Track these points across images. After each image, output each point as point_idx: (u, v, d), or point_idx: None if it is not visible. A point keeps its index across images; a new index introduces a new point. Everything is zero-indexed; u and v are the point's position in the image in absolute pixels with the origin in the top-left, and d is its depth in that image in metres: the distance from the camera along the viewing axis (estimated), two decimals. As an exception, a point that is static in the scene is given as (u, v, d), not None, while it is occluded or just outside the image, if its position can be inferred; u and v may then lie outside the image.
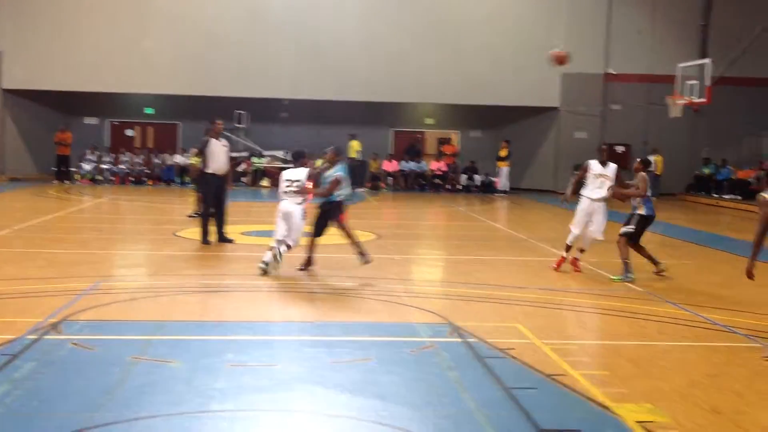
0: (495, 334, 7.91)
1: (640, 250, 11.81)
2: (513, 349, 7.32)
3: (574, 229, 12.01)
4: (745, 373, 6.89)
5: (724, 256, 14.65)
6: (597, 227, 11.90)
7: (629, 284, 11.06)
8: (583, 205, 11.93)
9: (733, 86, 27.62)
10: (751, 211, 24.08)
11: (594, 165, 11.94)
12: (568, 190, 12.72)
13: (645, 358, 7.33)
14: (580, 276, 11.82)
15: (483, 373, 6.63)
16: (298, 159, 11.77)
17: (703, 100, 24.30)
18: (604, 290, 10.74)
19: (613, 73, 29.56)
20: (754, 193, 26.25)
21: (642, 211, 11.61)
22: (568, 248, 12.06)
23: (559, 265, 12.04)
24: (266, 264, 10.79)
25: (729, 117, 28.85)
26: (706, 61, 24.34)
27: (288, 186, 11.11)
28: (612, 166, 11.89)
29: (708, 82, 23.94)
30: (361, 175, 27.71)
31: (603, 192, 11.75)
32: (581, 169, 12.15)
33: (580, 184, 12.14)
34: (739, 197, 26.44)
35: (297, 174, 11.18)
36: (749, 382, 6.60)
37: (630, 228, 11.60)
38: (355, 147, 28.77)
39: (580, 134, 30.01)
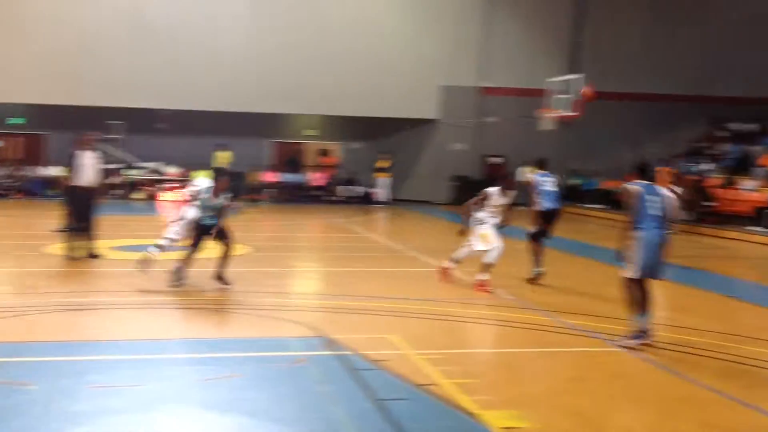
0: (368, 345, 7.93)
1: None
2: (386, 360, 7.37)
3: (491, 243, 11.91)
4: (604, 376, 7.17)
5: (589, 264, 15.23)
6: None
7: (502, 294, 11.33)
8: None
9: (600, 100, 28.80)
10: (613, 220, 25.17)
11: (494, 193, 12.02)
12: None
13: (512, 365, 7.53)
14: (453, 286, 12.02)
15: (355, 386, 6.64)
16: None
17: (573, 114, 25.21)
18: (476, 300, 10.96)
19: (488, 86, 30.32)
20: (619, 203, 27.48)
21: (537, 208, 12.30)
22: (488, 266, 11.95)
23: (482, 287, 11.74)
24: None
25: (594, 129, 30.07)
26: (576, 76, 25.29)
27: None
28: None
29: (577, 96, 24.86)
30: (237, 187, 27.30)
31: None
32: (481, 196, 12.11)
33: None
34: (604, 206, 27.57)
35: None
36: (609, 385, 6.87)
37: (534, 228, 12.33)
38: (222, 158, 28.37)
39: (457, 146, 30.64)
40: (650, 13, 25.79)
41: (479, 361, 7.62)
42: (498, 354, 7.89)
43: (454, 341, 8.40)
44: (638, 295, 8.38)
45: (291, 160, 31.33)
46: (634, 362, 7.78)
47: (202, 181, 11.17)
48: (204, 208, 10.87)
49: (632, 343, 8.19)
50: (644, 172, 8.80)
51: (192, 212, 11.01)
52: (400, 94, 29.39)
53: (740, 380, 7.44)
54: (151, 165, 29.06)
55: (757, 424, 6.08)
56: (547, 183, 12.69)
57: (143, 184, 28.86)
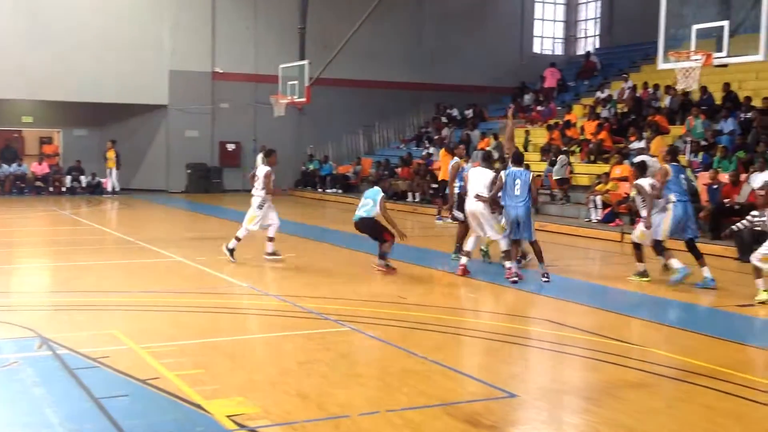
0: (90, 343, 7.53)
1: None
2: (108, 356, 7.02)
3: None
4: (332, 356, 7.33)
5: (323, 247, 15.54)
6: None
7: (237, 281, 11.24)
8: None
9: (331, 86, 29.52)
10: (350, 203, 25.95)
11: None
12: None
13: (241, 352, 7.48)
14: (187, 276, 11.77)
15: (72, 386, 6.27)
16: None
17: (303, 99, 25.56)
18: (207, 288, 10.80)
19: (220, 71, 29.93)
20: (353, 187, 28.41)
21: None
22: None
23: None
24: None
25: (329, 115, 30.77)
26: (305, 62, 25.65)
27: None
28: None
29: (307, 82, 25.23)
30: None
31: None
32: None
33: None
34: (340, 191, 28.32)
35: None
36: (335, 365, 7.03)
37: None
38: None
39: (191, 133, 29.95)
40: (371, 3, 26.73)
41: (207, 351, 7.47)
42: (227, 342, 7.80)
43: (182, 332, 8.17)
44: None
45: (7, 149, 28.95)
46: (361, 341, 8.03)
47: None
48: None
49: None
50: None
51: None
52: (128, 78, 28.17)
53: (455, 350, 7.95)
54: None
55: (471, 391, 6.50)
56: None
57: None
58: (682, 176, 11.33)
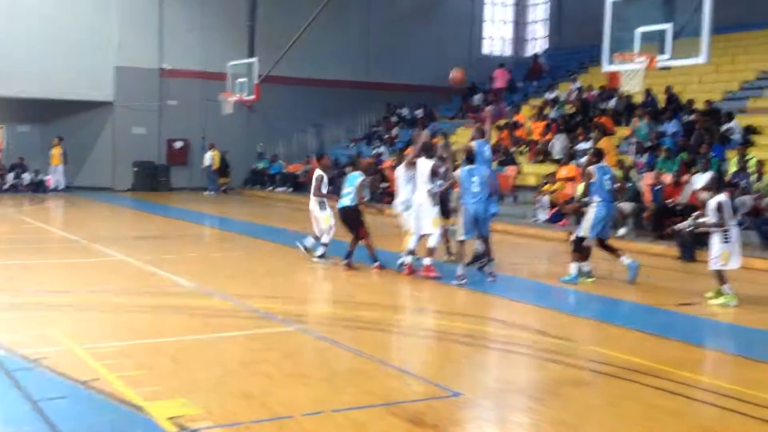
0: (29, 343, 7.35)
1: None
2: (46, 358, 6.87)
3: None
4: (277, 356, 7.27)
5: (273, 247, 15.42)
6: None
7: (181, 281, 11.10)
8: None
9: (281, 84, 29.35)
10: (300, 202, 25.84)
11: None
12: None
13: (185, 352, 7.37)
14: (131, 276, 11.59)
15: (9, 388, 6.14)
16: None
17: (252, 97, 25.38)
18: (152, 288, 10.64)
19: (168, 68, 29.55)
20: (303, 186, 28.25)
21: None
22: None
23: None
24: None
25: (279, 114, 30.57)
26: (254, 59, 25.46)
27: None
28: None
29: (256, 80, 25.06)
30: None
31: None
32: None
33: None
34: (291, 189, 28.17)
35: None
36: (280, 365, 6.98)
37: None
38: None
39: (138, 130, 29.50)
40: (320, 1, 26.71)
41: (149, 351, 7.36)
42: (170, 343, 7.68)
43: (124, 333, 8.04)
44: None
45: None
46: (306, 340, 7.99)
47: None
48: None
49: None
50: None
51: None
52: (73, 74, 27.65)
53: (401, 349, 7.95)
54: None
55: (415, 390, 6.50)
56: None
57: None
58: (606, 177, 11.48)
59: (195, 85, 29.73)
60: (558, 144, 21.61)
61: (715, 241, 10.22)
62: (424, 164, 11.77)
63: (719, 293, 10.24)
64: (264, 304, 9.55)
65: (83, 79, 27.97)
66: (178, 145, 30.33)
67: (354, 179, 12.13)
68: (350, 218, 12.06)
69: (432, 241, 11.58)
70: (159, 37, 29.48)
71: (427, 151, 12.03)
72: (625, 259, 11.44)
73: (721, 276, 10.22)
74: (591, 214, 11.34)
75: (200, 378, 6.54)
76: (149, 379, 6.39)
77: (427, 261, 11.50)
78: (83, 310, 9.13)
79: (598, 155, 12.02)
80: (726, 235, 10.18)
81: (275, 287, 10.80)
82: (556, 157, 21.09)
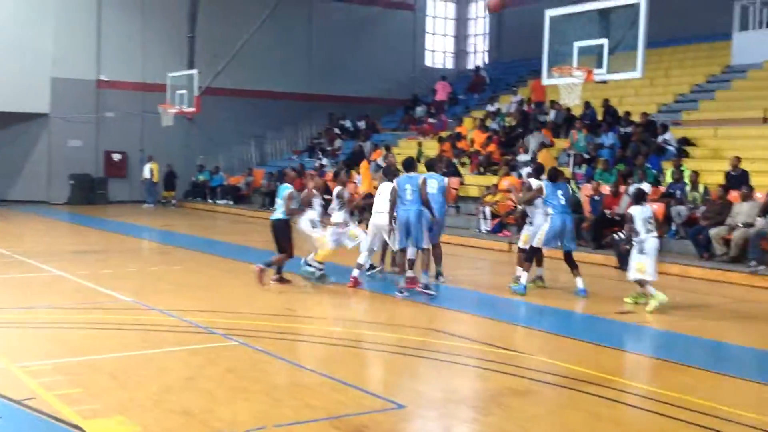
0: (-41, 363, 7.12)
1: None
2: (-22, 377, 6.66)
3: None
4: (218, 371, 7.17)
5: (212, 259, 15.22)
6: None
7: (121, 296, 10.88)
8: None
9: (222, 96, 29.13)
10: (241, 215, 25.63)
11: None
12: None
13: (123, 369, 7.21)
14: (67, 291, 11.32)
15: (-63, 410, 5.91)
16: None
17: (192, 109, 25.12)
18: (89, 303, 10.41)
19: (105, 79, 29.07)
20: (245, 198, 28.06)
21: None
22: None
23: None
24: None
25: (220, 125, 30.31)
26: (194, 71, 25.22)
27: None
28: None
29: (196, 92, 24.82)
30: None
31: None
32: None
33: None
34: (231, 202, 27.91)
35: None
36: (221, 380, 6.88)
37: None
38: None
39: (75, 142, 28.92)
40: (261, 13, 26.62)
41: (86, 369, 7.18)
42: (108, 360, 7.51)
43: (61, 350, 7.84)
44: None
45: None
46: (249, 355, 7.89)
47: None
48: None
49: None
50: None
51: None
52: (7, 85, 26.98)
53: (344, 362, 7.90)
54: None
55: (359, 403, 6.46)
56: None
57: None
58: (560, 191, 11.61)
59: (134, 96, 29.32)
60: (533, 141, 21.57)
61: (633, 252, 10.53)
62: (387, 187, 11.64)
63: (641, 296, 10.54)
64: (204, 318, 9.41)
65: (18, 90, 27.33)
66: (116, 157, 29.83)
67: (283, 191, 11.96)
68: (279, 230, 11.82)
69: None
70: (97, 49, 28.99)
71: (388, 175, 11.97)
72: (579, 283, 11.47)
73: (640, 283, 10.53)
74: (546, 225, 11.43)
75: (139, 395, 6.40)
76: (87, 397, 6.24)
77: (409, 274, 11.33)
78: (18, 327, 8.89)
79: (538, 171, 12.18)
80: (641, 246, 10.44)
81: (216, 301, 10.66)
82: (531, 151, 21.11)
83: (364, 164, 20.69)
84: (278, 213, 11.89)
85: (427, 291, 11.24)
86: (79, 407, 5.94)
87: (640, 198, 10.89)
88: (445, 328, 9.45)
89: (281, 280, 11.90)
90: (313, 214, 12.19)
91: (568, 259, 11.69)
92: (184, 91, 25.23)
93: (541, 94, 25.10)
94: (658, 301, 10.36)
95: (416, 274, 11.37)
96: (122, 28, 29.26)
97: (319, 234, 12.08)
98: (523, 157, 20.70)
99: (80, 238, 19.39)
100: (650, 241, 10.52)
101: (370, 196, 14.01)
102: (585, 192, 17.53)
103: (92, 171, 29.21)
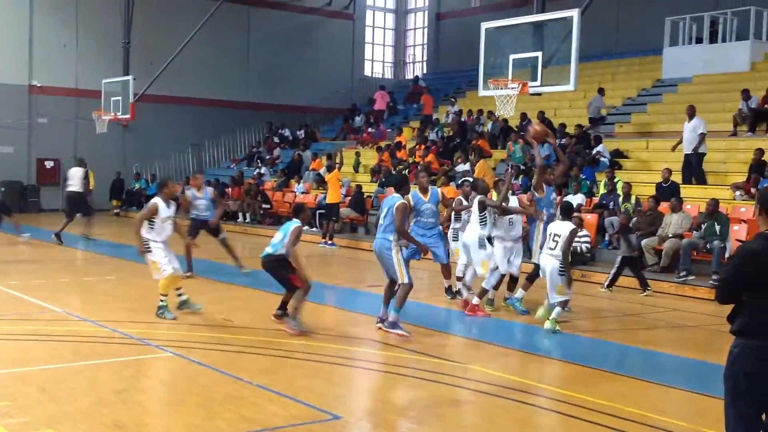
0: None
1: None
2: None
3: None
4: (151, 383, 7.08)
5: (147, 270, 14.94)
6: None
7: (52, 306, 10.63)
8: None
9: (158, 103, 28.75)
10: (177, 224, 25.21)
11: None
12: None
13: (53, 381, 7.06)
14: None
15: None
16: None
17: (127, 116, 24.74)
18: (18, 314, 10.16)
19: (38, 85, 28.44)
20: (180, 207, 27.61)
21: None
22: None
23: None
24: None
25: (156, 133, 29.91)
26: (129, 77, 24.84)
27: None
28: None
29: (131, 98, 24.45)
30: None
31: None
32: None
33: None
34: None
35: None
36: (154, 393, 6.79)
37: None
38: None
39: (5, 149, 28.23)
40: (199, 20, 26.41)
41: (15, 381, 7.01)
42: (37, 372, 7.34)
43: (-11, 362, 7.64)
44: None
45: None
46: (184, 366, 7.79)
47: None
48: None
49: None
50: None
51: None
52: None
53: (282, 373, 7.86)
54: None
55: (295, 414, 6.43)
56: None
57: None
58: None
59: (67, 102, 28.77)
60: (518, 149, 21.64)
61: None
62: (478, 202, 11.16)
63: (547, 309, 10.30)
64: (139, 329, 9.27)
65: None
66: (49, 164, 29.19)
67: (287, 227, 9.50)
68: (272, 267, 9.58)
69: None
70: (29, 53, 28.36)
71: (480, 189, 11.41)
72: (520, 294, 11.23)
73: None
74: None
75: (70, 408, 6.27)
76: (15, 411, 6.09)
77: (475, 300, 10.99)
78: (-58, 340, 8.63)
79: (474, 187, 11.98)
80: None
81: (150, 312, 10.49)
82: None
83: (335, 174, 20.46)
84: (270, 249, 9.52)
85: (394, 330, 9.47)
86: (8, 420, 5.81)
87: (566, 212, 10.42)
88: (382, 339, 9.45)
89: (301, 330, 9.41)
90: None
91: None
92: (119, 98, 24.81)
93: (429, 108, 27.17)
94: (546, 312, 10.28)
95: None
96: (55, 33, 28.72)
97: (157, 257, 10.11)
98: (461, 167, 20.89)
99: (10, 248, 18.89)
100: (543, 258, 10.21)
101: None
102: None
103: (24, 178, 28.54)
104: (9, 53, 27.86)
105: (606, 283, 13.51)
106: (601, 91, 22.36)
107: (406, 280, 9.36)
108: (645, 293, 13.02)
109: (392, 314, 9.44)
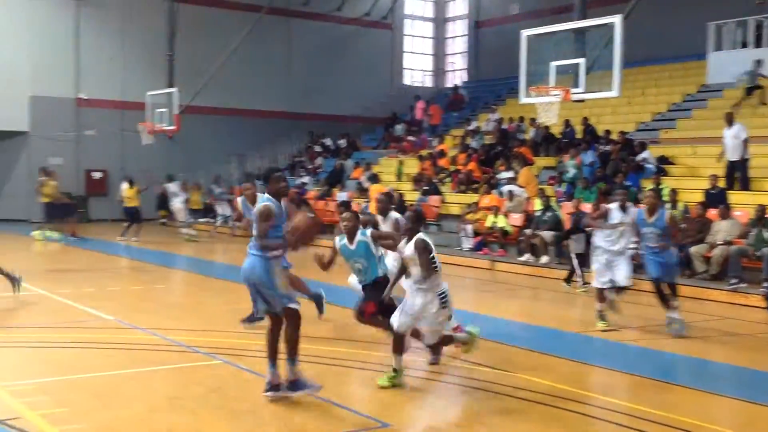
0: (-59, 384, 7.07)
1: None
2: (-39, 398, 6.62)
3: None
4: (202, 391, 7.16)
5: (196, 278, 15.20)
6: None
7: (104, 315, 10.82)
8: None
9: (202, 115, 29.11)
10: (223, 233, 25.54)
11: None
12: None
13: (108, 388, 7.20)
14: (50, 310, 11.25)
15: None
16: None
17: (172, 127, 25.10)
18: (71, 322, 10.36)
19: (85, 98, 28.99)
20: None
21: None
22: None
23: None
24: None
25: (200, 144, 30.27)
26: (173, 89, 25.22)
27: None
28: None
29: (176, 110, 24.81)
30: None
31: None
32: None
33: None
34: (213, 219, 27.80)
35: None
36: (205, 400, 6.87)
37: None
38: None
39: (54, 160, 28.74)
40: (240, 32, 26.70)
41: (71, 388, 7.16)
42: (92, 379, 7.49)
43: (45, 369, 7.81)
44: None
45: None
46: (233, 374, 7.88)
47: None
48: None
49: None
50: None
51: None
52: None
53: (330, 381, 7.90)
54: None
55: (344, 422, 6.48)
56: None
57: None
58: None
59: (113, 115, 29.24)
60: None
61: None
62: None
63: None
64: (188, 337, 9.40)
65: (-2, 109, 27.22)
66: (97, 175, 29.71)
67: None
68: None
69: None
70: (75, 67, 28.93)
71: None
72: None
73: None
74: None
75: (123, 415, 6.39)
76: (71, 417, 6.22)
77: None
78: (3, 347, 8.82)
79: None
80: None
81: (199, 319, 10.64)
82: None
83: (377, 187, 20.65)
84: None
85: None
86: (64, 427, 5.94)
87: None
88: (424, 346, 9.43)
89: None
90: None
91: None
92: (163, 110, 25.20)
93: (437, 118, 27.88)
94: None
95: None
96: (101, 46, 29.22)
97: None
98: (504, 174, 20.83)
99: (62, 257, 19.27)
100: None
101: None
102: (566, 209, 17.66)
103: (73, 189, 29.05)
104: (57, 67, 28.42)
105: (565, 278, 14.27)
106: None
107: None
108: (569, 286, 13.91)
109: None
